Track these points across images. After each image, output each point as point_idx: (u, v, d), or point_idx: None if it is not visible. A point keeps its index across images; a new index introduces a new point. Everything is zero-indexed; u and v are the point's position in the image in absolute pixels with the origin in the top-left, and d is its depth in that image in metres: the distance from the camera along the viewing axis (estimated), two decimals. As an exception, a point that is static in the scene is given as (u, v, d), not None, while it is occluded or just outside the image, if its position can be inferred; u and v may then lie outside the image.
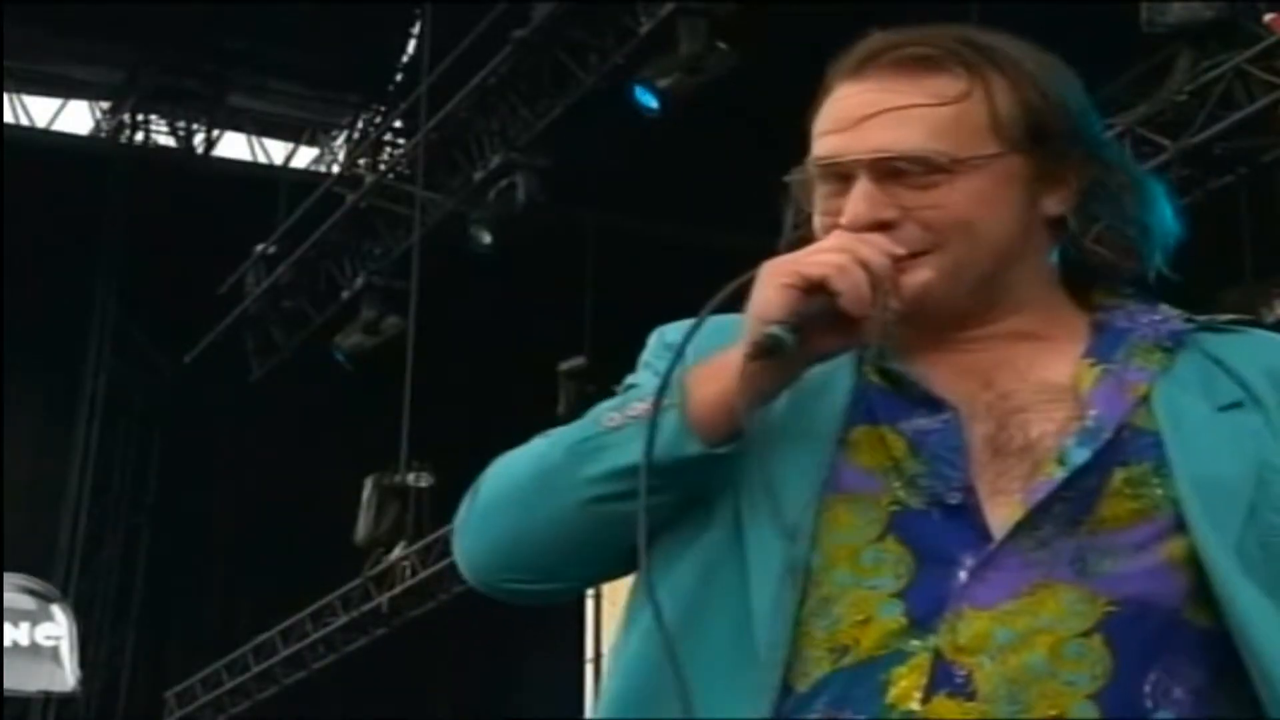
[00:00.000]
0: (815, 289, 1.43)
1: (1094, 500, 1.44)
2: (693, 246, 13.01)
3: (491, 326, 13.85)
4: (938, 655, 1.39)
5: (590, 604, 9.93)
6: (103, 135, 15.83)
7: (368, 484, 11.64)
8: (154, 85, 15.33)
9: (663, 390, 1.44)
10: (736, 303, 1.47)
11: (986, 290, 1.52)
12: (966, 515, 1.44)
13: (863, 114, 1.52)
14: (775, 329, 1.41)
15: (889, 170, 1.49)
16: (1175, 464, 1.45)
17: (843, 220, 1.50)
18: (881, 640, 1.41)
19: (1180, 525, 1.43)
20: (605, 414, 1.50)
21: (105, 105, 15.83)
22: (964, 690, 1.38)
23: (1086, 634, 1.40)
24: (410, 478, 11.49)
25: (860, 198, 1.49)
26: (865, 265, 1.44)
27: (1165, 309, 1.57)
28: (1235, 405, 1.50)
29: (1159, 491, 1.44)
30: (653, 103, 9.67)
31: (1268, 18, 7.02)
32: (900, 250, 1.48)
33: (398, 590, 11.48)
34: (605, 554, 1.51)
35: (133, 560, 14.90)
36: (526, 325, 13.61)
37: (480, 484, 1.57)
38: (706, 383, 1.45)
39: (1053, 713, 1.37)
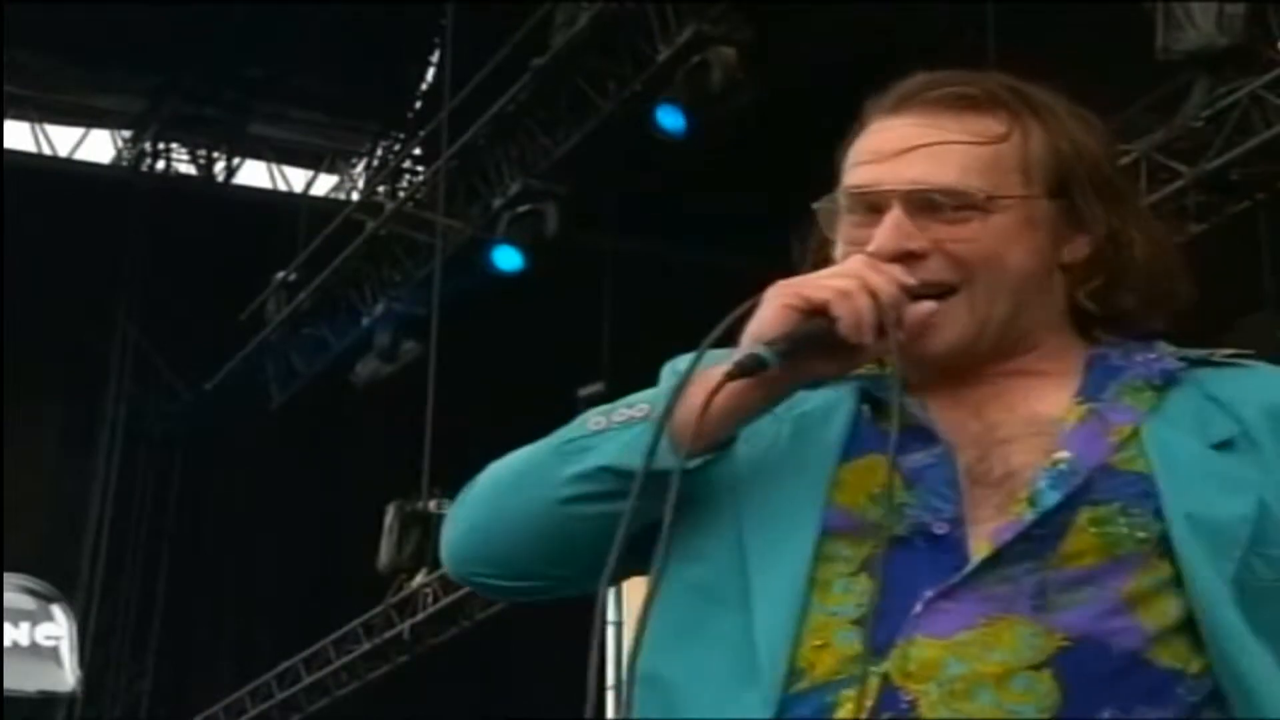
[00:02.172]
0: (815, 312, 1.45)
1: (1058, 538, 1.43)
2: (710, 273, 13.04)
3: (510, 352, 13.87)
4: (886, 680, 1.39)
5: (612, 632, 9.89)
6: (124, 164, 15.91)
7: (390, 510, 11.65)
8: (175, 114, 15.41)
9: (674, 398, 1.44)
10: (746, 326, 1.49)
11: (1003, 332, 1.53)
12: (950, 546, 1.44)
13: (901, 147, 1.53)
14: (761, 349, 1.43)
15: (922, 203, 1.51)
16: (1168, 501, 1.44)
17: (870, 248, 1.51)
18: (837, 665, 1.41)
19: (1146, 565, 1.42)
20: (592, 417, 1.53)
21: (126, 134, 15.90)
22: (907, 715, 1.38)
23: (1036, 667, 1.39)
24: (432, 504, 11.50)
25: (891, 227, 1.51)
26: (873, 293, 1.45)
27: (1161, 347, 1.58)
28: (1229, 443, 1.49)
29: (1124, 530, 1.43)
30: (678, 124, 9.76)
31: (1282, 44, 7.03)
32: (911, 280, 1.48)
33: (420, 617, 11.48)
34: (572, 554, 1.52)
35: (153, 587, 14.91)
36: (545, 351, 13.63)
37: (479, 476, 1.61)
38: (694, 397, 1.45)
39: None
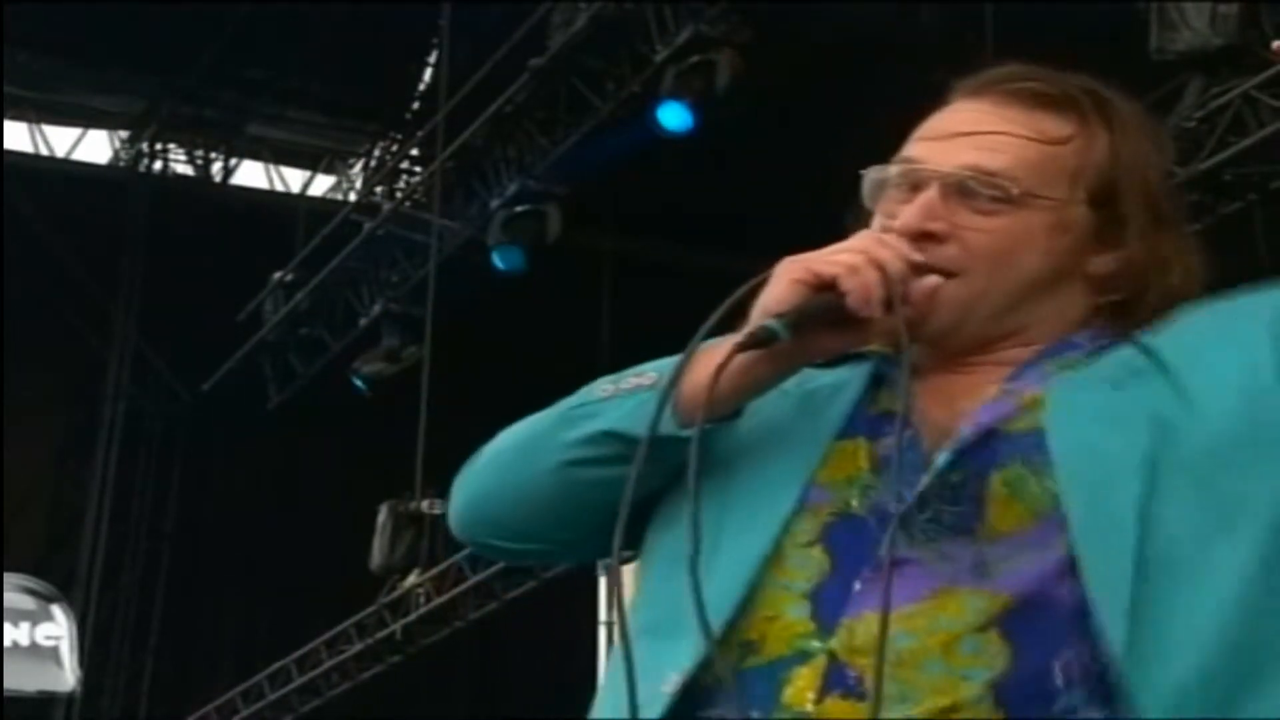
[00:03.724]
0: (824, 287, 1.47)
1: (981, 508, 1.43)
2: (709, 273, 13.05)
3: (508, 353, 13.88)
4: (833, 657, 1.39)
5: (603, 631, 9.93)
6: (122, 164, 15.91)
7: (383, 511, 11.66)
8: (173, 114, 15.42)
9: (680, 368, 1.46)
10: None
11: (994, 325, 1.54)
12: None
13: (960, 129, 1.56)
14: (772, 322, 1.45)
15: (960, 188, 1.52)
16: (1054, 455, 1.43)
17: (895, 224, 1.53)
18: (787, 640, 1.42)
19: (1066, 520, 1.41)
20: (600, 385, 1.57)
21: (124, 134, 15.91)
22: (855, 691, 1.38)
23: (982, 628, 1.38)
24: (425, 505, 11.50)
25: (918, 206, 1.53)
26: (880, 267, 1.47)
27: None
28: (1136, 377, 1.48)
29: (1036, 489, 1.43)
30: (684, 121, 9.75)
31: (1275, 44, 7.05)
32: (918, 256, 1.50)
33: (412, 617, 11.49)
34: (576, 518, 1.56)
35: (151, 587, 14.92)
36: (543, 352, 13.64)
37: (487, 444, 1.64)
38: (702, 367, 1.46)
39: (945, 702, 1.36)
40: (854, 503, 1.47)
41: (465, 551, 11.10)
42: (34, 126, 15.46)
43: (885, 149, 1.62)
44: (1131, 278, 1.55)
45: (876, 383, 1.56)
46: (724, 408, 1.49)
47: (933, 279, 1.51)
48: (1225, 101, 7.25)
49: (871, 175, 1.59)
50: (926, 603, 1.40)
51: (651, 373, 1.55)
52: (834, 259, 1.48)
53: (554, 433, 1.56)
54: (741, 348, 1.45)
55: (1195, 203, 7.34)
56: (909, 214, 1.53)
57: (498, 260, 11.27)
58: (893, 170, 1.57)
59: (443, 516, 11.45)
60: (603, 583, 10.03)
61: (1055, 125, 1.55)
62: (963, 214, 1.52)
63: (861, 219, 1.60)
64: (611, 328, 13.15)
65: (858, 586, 1.42)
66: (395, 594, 11.66)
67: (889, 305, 1.47)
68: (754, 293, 1.49)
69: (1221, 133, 7.25)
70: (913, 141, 1.58)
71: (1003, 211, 1.51)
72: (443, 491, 11.50)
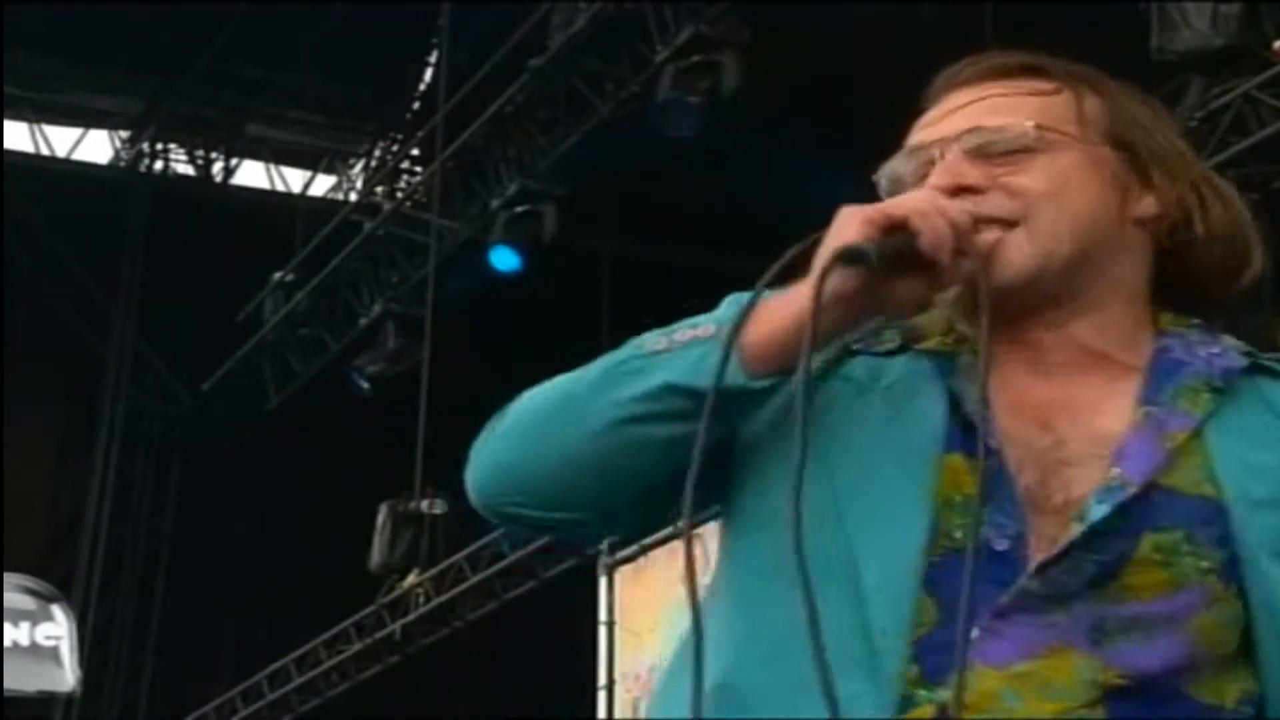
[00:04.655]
0: (895, 228, 1.39)
1: (1121, 566, 1.37)
2: (709, 273, 13.05)
3: (507, 353, 13.88)
4: (942, 710, 1.33)
5: (603, 631, 9.91)
6: (122, 164, 15.92)
7: (382, 510, 11.66)
8: (173, 114, 15.42)
9: (744, 315, 1.38)
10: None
11: (1068, 276, 1.47)
12: (1010, 563, 1.38)
13: (954, 106, 1.53)
14: (860, 242, 1.37)
15: (976, 148, 1.48)
16: (1240, 531, 1.39)
17: (927, 184, 1.47)
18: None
19: (1211, 597, 1.38)
20: (650, 339, 1.45)
21: (124, 134, 15.91)
22: None
23: (1090, 705, 1.35)
24: (424, 504, 11.50)
25: (944, 169, 1.48)
26: (947, 216, 1.40)
27: (1227, 340, 1.51)
28: None
29: (1189, 560, 1.38)
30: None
31: (1276, 45, 7.04)
32: (975, 209, 1.44)
33: (411, 617, 11.48)
34: (626, 481, 1.44)
35: (151, 587, 14.92)
36: (543, 352, 13.63)
37: (507, 407, 1.51)
38: (768, 317, 1.38)
39: None
40: (958, 534, 1.38)
41: (465, 551, 11.10)
42: (34, 126, 15.46)
43: (886, 149, 1.60)
44: (1177, 217, 1.50)
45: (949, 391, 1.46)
46: (791, 357, 1.37)
47: (993, 233, 1.44)
48: (1226, 102, 7.24)
49: (886, 170, 1.54)
50: (1040, 661, 1.36)
51: (709, 324, 1.43)
52: (901, 203, 1.42)
53: (601, 390, 1.42)
54: (838, 259, 1.36)
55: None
56: (939, 174, 1.48)
57: (495, 261, 11.28)
58: (906, 159, 1.53)
59: (442, 516, 11.47)
60: (602, 582, 10.03)
61: (1041, 84, 1.53)
62: (992, 170, 1.47)
63: None
64: (611, 328, 13.14)
65: (976, 633, 1.35)
66: (394, 594, 11.65)
67: (960, 252, 1.40)
68: (809, 253, 1.40)
69: (1223, 133, 7.24)
70: (914, 134, 1.55)
71: (1028, 160, 1.47)
72: (440, 491, 11.52)
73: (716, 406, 1.35)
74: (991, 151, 1.48)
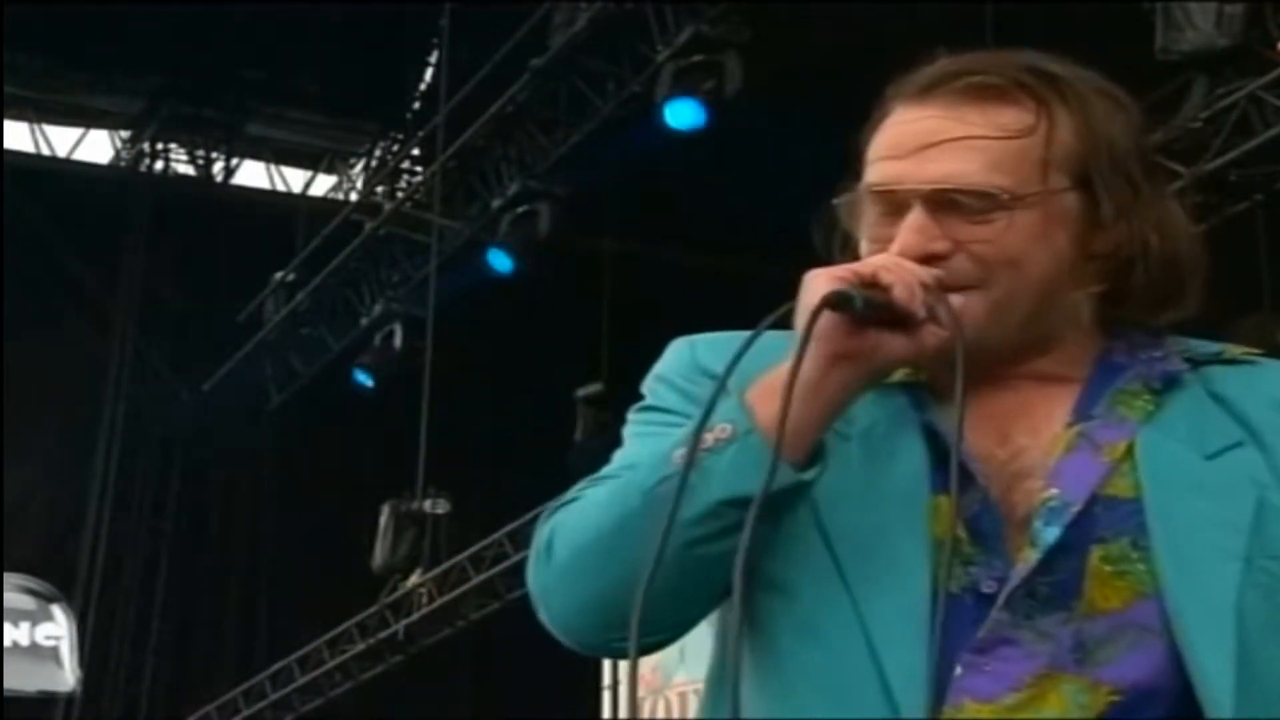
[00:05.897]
0: (865, 285, 1.39)
1: (1079, 582, 1.39)
2: (709, 273, 13.05)
3: (509, 353, 13.87)
4: None
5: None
6: (123, 164, 15.92)
7: (385, 510, 11.65)
8: (173, 114, 15.42)
9: (785, 404, 1.37)
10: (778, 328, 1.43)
11: (1026, 329, 1.48)
12: (992, 604, 1.39)
13: (923, 142, 1.48)
14: (842, 286, 1.38)
15: (945, 202, 1.46)
16: (1154, 535, 1.40)
17: (893, 249, 1.46)
18: None
19: None
20: (673, 454, 1.41)
21: (125, 134, 15.91)
22: None
23: None
24: (427, 504, 11.50)
25: (912, 229, 1.45)
26: (916, 275, 1.41)
27: (1170, 342, 1.53)
28: (1232, 447, 1.45)
29: (1142, 566, 1.39)
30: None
31: (1281, 45, 7.04)
32: (938, 273, 1.44)
33: (414, 617, 11.48)
34: (700, 596, 1.44)
35: (151, 587, 14.92)
36: (544, 352, 13.63)
37: (549, 542, 1.48)
38: (771, 403, 1.38)
39: None
40: (952, 577, 1.40)
41: (468, 552, 11.10)
42: (34, 126, 15.46)
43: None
44: (1131, 248, 1.49)
45: (926, 428, 1.47)
46: (829, 414, 1.41)
47: (954, 297, 1.44)
48: (1231, 102, 7.23)
49: (846, 201, 1.52)
50: (1029, 691, 1.37)
51: (723, 424, 1.41)
52: (866, 262, 1.43)
53: (654, 517, 1.38)
54: (820, 308, 1.37)
55: (1200, 203, 7.32)
56: (906, 240, 1.46)
57: (491, 262, 11.27)
58: (869, 194, 1.50)
59: (444, 516, 11.47)
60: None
61: (1014, 116, 1.48)
62: (958, 227, 1.46)
63: (843, 243, 1.54)
64: (611, 328, 13.13)
65: (958, 671, 1.37)
66: (397, 594, 11.65)
67: (930, 311, 1.41)
68: (786, 319, 1.41)
69: (1227, 133, 7.24)
70: (874, 164, 1.51)
71: (996, 217, 1.45)
72: (443, 491, 11.51)
73: (777, 503, 1.38)
74: (961, 209, 1.46)
